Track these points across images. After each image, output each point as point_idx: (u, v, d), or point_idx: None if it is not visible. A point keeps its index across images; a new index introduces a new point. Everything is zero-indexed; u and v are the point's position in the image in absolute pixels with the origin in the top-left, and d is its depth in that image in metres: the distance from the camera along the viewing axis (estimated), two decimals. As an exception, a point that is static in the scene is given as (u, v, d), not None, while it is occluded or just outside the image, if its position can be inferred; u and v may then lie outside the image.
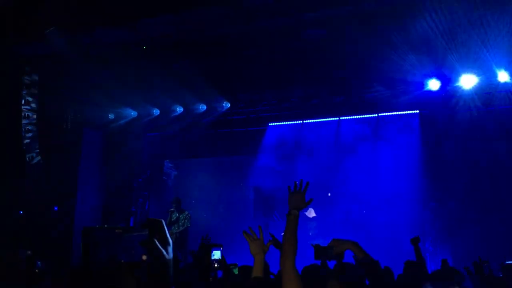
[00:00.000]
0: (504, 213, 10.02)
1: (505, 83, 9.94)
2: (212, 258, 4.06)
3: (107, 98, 12.50)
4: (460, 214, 10.37)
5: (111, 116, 13.70)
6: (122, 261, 2.18)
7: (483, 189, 10.35)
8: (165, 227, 2.03)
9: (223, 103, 12.74)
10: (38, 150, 11.48)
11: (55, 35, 9.45)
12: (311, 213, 12.22)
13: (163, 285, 1.94)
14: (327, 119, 12.45)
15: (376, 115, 11.90)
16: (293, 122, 12.80)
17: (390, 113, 11.72)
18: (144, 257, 1.98)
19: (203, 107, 12.96)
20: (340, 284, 2.75)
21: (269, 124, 12.91)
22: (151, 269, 1.95)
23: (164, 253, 1.96)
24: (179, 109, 13.21)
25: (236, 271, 5.09)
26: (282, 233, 2.96)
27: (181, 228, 11.41)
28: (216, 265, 4.05)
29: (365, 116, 12.00)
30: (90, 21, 9.00)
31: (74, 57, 10.06)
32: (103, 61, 10.35)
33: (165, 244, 1.99)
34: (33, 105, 11.34)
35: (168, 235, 2.03)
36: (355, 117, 12.11)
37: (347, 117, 12.21)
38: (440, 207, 10.79)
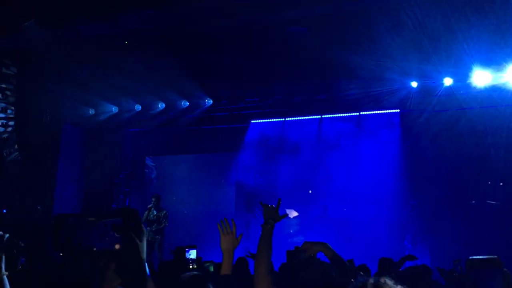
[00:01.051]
0: (480, 210, 10.23)
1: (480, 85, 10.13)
2: (188, 257, 4.04)
3: (87, 93, 12.32)
4: (439, 212, 10.54)
5: (91, 111, 13.52)
6: (95, 249, 2.15)
7: (460, 188, 10.55)
8: (140, 217, 2.02)
9: (206, 99, 12.69)
10: (16, 146, 11.26)
11: (34, 28, 9.28)
12: (292, 213, 12.27)
13: (137, 273, 1.92)
14: (309, 117, 12.51)
15: (358, 113, 12.00)
16: (276, 120, 12.83)
17: (371, 112, 11.83)
18: (117, 246, 1.96)
19: (185, 103, 12.88)
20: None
21: (251, 121, 12.91)
22: (125, 258, 1.93)
23: (138, 241, 1.94)
24: (161, 105, 13.11)
25: (211, 269, 5.04)
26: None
27: (158, 227, 11.36)
28: (191, 266, 4.03)
29: (347, 114, 12.09)
30: (71, 15, 8.86)
31: (54, 51, 9.89)
32: (83, 56, 10.20)
33: (139, 233, 1.97)
34: (10, 99, 11.12)
35: (142, 224, 2.01)
36: (337, 115, 12.19)
37: (329, 115, 12.29)
38: (419, 205, 10.94)
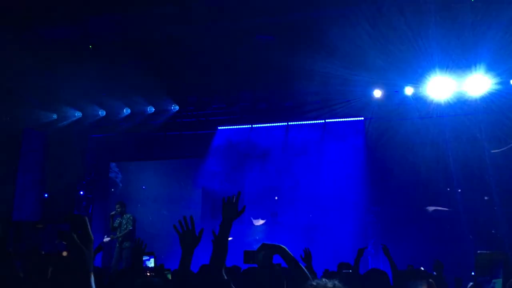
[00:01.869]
0: (440, 218, 10.56)
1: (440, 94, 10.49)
2: (146, 265, 3.95)
3: (50, 98, 12.04)
4: (401, 218, 10.79)
5: (54, 116, 13.19)
6: (43, 252, 2.12)
7: (421, 193, 10.85)
8: (88, 224, 1.99)
9: (172, 105, 12.60)
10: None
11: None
12: (258, 222, 12.30)
13: (82, 279, 1.90)
14: (276, 124, 12.62)
15: (323, 121, 12.18)
16: (242, 126, 12.88)
17: (337, 120, 12.03)
18: (65, 253, 1.94)
19: (151, 109, 12.75)
20: None
21: (218, 127, 12.91)
22: (71, 264, 1.91)
23: (84, 248, 1.92)
24: (126, 111, 12.94)
25: (169, 276, 4.97)
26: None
27: (123, 232, 11.12)
28: (148, 274, 3.95)
29: (313, 122, 12.26)
30: (33, 17, 8.65)
31: (15, 54, 9.62)
32: (46, 59, 9.97)
33: (86, 240, 1.95)
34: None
35: (90, 232, 1.98)
36: (303, 122, 12.35)
37: (295, 122, 12.43)
38: (382, 211, 11.18)
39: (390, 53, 9.17)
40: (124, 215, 11.30)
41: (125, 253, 10.98)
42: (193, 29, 9.24)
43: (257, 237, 11.99)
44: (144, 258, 3.97)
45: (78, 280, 1.87)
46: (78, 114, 13.13)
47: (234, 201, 3.18)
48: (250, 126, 12.84)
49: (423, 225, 10.54)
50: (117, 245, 11.17)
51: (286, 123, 12.55)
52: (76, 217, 1.98)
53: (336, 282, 2.06)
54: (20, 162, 12.23)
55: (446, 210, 10.78)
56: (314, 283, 2.03)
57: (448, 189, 10.85)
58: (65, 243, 1.92)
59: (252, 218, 12.38)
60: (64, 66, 10.10)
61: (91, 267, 1.94)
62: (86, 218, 2.01)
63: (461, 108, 10.54)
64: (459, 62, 9.71)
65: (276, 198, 12.45)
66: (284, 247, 3.24)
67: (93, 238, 1.99)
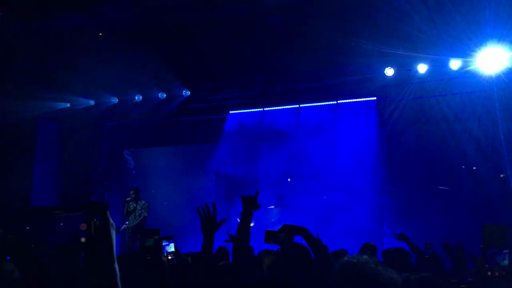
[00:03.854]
0: (455, 197, 10.50)
1: (456, 71, 10.31)
2: (166, 251, 3.99)
3: (63, 87, 12.12)
4: (416, 198, 10.77)
5: (67, 105, 13.30)
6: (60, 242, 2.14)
7: (437, 174, 10.79)
8: (107, 210, 2.00)
9: (183, 91, 12.61)
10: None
11: (7, 21, 9.06)
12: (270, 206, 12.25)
13: (108, 268, 1.92)
14: (288, 107, 12.57)
15: (336, 102, 12.11)
16: (254, 110, 12.85)
17: (349, 100, 11.94)
18: (83, 239, 1.95)
19: (162, 95, 12.79)
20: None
21: (230, 111, 12.92)
22: (92, 251, 1.93)
23: (109, 234, 1.94)
24: (138, 98, 13.00)
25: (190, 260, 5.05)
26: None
27: (138, 219, 11.26)
28: (170, 257, 3.99)
29: (325, 103, 12.19)
30: (45, 6, 8.67)
31: (28, 44, 9.69)
32: (58, 49, 10.02)
33: (107, 226, 1.97)
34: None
35: (110, 218, 2.00)
36: (315, 104, 12.28)
37: (307, 104, 12.37)
38: (398, 191, 11.15)
39: (404, 31, 9.02)
40: (139, 202, 11.43)
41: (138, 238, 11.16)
42: (204, 13, 9.19)
43: (273, 220, 12.06)
44: (164, 243, 4.00)
45: (104, 267, 1.90)
46: (91, 102, 13.24)
47: (252, 199, 3.32)
48: (262, 109, 12.81)
49: (439, 205, 10.49)
50: (129, 231, 11.30)
51: (298, 105, 12.50)
52: (95, 204, 2.00)
53: (377, 260, 2.02)
54: (36, 152, 12.39)
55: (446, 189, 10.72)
56: (355, 260, 1.98)
57: (463, 166, 10.77)
58: (84, 229, 1.94)
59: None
60: (75, 54, 10.15)
61: (114, 254, 1.97)
62: (105, 205, 2.03)
63: (475, 84, 10.37)
64: (471, 38, 9.49)
65: (289, 180, 12.46)
66: (305, 228, 3.29)
67: (114, 224, 2.02)
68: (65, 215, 2.13)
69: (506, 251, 2.96)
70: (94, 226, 1.94)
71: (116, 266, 1.93)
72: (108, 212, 2.00)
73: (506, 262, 2.81)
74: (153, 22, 9.64)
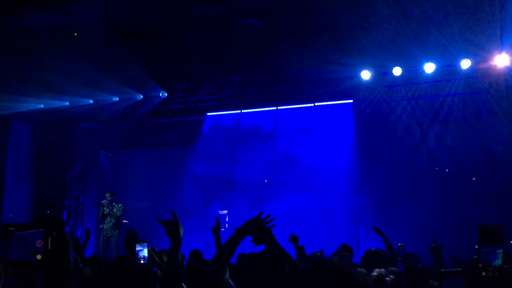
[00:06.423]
0: (426, 197, 10.69)
1: (430, 74, 10.50)
2: (140, 257, 3.86)
3: (36, 88, 11.86)
4: (391, 199, 10.90)
5: (40, 106, 13.01)
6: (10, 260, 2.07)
7: (409, 175, 10.96)
8: (64, 226, 1.97)
9: (160, 92, 12.49)
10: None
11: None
12: (223, 211, 12.12)
13: (64, 280, 1.88)
14: (266, 109, 12.59)
15: (313, 104, 12.17)
16: (232, 112, 12.83)
17: (326, 103, 12.02)
18: (39, 256, 1.91)
19: (139, 96, 12.65)
20: None
21: (207, 113, 12.86)
22: (49, 268, 1.89)
23: (65, 250, 1.91)
24: (114, 99, 12.82)
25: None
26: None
27: (113, 221, 11.13)
28: (143, 262, 3.86)
29: (302, 105, 12.25)
30: (15, 4, 8.48)
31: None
32: (31, 48, 9.81)
33: (64, 242, 1.94)
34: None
35: (66, 233, 1.97)
36: (293, 106, 12.33)
37: (285, 107, 12.41)
38: (373, 193, 11.27)
39: (379, 36, 9.14)
40: (115, 204, 11.29)
41: (113, 242, 11.01)
42: (181, 13, 9.12)
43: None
44: (137, 247, 3.85)
45: (61, 284, 1.87)
46: (65, 103, 12.97)
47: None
48: (240, 111, 12.79)
49: (414, 205, 10.65)
50: (103, 234, 11.18)
51: (275, 107, 12.53)
52: (51, 220, 1.96)
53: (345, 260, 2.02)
54: (8, 154, 12.10)
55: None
56: (376, 273, 1.98)
57: (436, 168, 10.98)
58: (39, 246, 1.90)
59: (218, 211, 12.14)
60: (49, 54, 9.95)
61: (72, 268, 1.93)
62: (62, 221, 1.99)
63: (448, 87, 10.59)
64: (449, 44, 9.68)
65: (265, 181, 12.46)
66: (249, 221, 3.28)
67: (70, 238, 1.99)
68: (21, 233, 2.05)
69: (500, 250, 3.04)
70: (51, 242, 1.90)
71: (74, 282, 1.91)
72: (65, 228, 1.97)
73: (499, 261, 2.88)
74: (129, 21, 9.52)
